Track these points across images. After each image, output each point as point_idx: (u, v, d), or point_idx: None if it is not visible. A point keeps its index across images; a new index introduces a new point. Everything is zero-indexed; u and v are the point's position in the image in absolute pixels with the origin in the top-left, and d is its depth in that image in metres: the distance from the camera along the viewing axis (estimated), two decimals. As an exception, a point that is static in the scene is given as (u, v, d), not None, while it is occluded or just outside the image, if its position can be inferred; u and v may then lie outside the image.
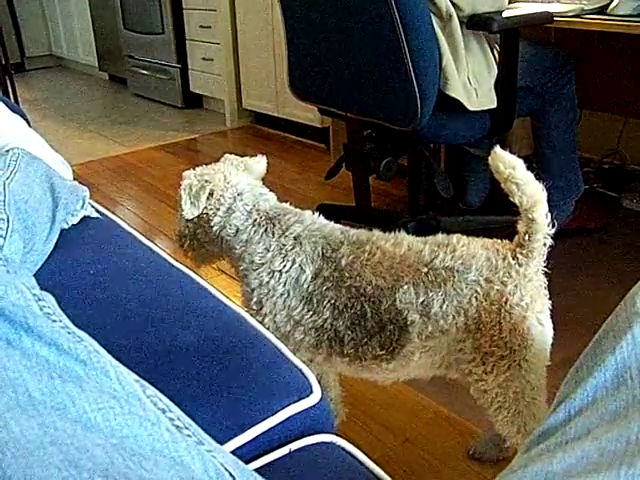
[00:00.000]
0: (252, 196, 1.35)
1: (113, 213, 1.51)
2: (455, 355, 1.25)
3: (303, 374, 0.89)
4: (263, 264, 1.26)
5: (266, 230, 1.30)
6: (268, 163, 1.53)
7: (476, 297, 1.21)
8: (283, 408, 0.84)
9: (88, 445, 0.56)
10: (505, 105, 2.18)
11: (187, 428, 0.65)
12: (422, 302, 1.21)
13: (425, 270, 1.23)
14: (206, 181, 1.32)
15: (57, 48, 7.31)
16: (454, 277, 1.22)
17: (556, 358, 1.97)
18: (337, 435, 0.87)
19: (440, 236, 1.32)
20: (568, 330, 2.13)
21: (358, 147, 2.36)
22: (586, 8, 2.22)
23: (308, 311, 1.24)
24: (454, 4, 2.01)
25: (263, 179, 1.49)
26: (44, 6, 7.17)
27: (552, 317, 2.18)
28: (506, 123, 2.23)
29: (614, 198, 3.07)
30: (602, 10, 2.20)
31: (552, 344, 2.00)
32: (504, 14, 2.05)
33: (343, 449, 0.84)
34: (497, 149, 1.30)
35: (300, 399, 0.85)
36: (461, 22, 2.03)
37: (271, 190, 1.44)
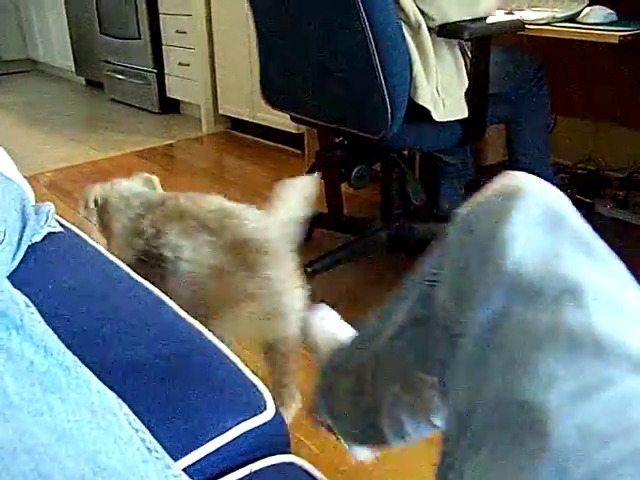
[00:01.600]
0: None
1: (88, 220, 1.59)
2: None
3: (257, 390, 0.88)
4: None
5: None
6: (243, 169, 1.72)
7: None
8: (237, 424, 0.83)
9: (61, 456, 0.56)
10: (477, 113, 2.17)
11: (157, 451, 0.66)
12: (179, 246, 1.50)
13: (192, 223, 1.51)
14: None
15: (33, 52, 7.26)
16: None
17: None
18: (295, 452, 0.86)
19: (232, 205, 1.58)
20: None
21: (329, 155, 2.36)
22: (557, 16, 2.23)
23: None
24: (424, 13, 2.00)
25: (238, 184, 1.79)
26: (20, 10, 7.12)
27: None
28: (478, 131, 2.23)
29: (588, 204, 3.07)
30: (573, 18, 2.21)
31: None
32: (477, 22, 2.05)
33: (304, 470, 0.84)
34: None
35: (254, 415, 0.84)
36: (432, 30, 2.03)
37: (245, 195, 1.63)
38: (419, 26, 2.00)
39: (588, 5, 2.23)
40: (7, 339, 0.65)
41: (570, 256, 0.70)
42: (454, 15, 2.01)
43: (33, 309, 0.74)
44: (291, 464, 0.84)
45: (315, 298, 2.37)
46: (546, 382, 0.58)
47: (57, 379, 0.65)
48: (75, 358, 0.71)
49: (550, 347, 0.60)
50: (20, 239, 1.18)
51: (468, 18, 2.03)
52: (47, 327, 0.73)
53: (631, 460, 0.53)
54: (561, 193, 0.81)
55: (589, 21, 2.15)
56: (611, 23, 2.13)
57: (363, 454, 1.19)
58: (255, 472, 0.82)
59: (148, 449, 0.65)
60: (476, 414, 0.61)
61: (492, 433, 0.59)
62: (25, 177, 1.53)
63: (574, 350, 0.60)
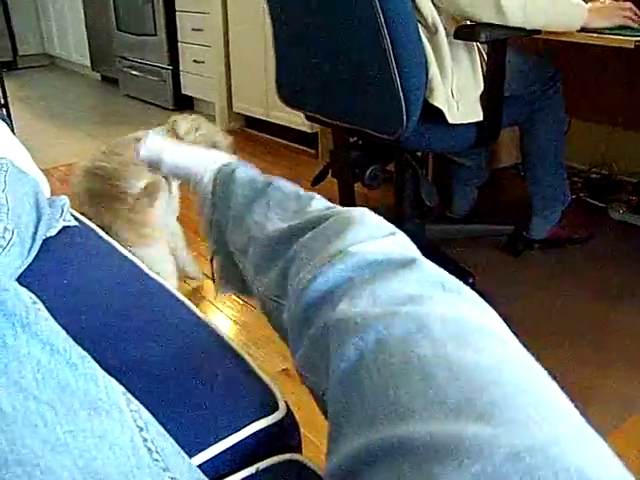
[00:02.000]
0: None
1: None
2: None
3: (269, 390, 0.88)
4: None
5: None
6: (257, 167, 1.71)
7: None
8: (248, 424, 0.83)
9: (55, 467, 0.55)
10: (492, 115, 2.17)
11: (157, 452, 0.65)
12: None
13: None
14: None
15: (50, 47, 7.29)
16: None
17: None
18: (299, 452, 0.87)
19: None
20: (548, 340, 2.13)
21: (344, 155, 2.36)
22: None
23: None
24: (445, 15, 2.00)
25: None
26: (37, 5, 7.15)
27: (535, 326, 2.19)
28: (492, 133, 2.23)
29: (601, 208, 3.07)
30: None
31: (532, 355, 2.00)
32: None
33: (310, 470, 0.84)
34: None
35: (265, 415, 0.84)
36: (449, 33, 2.03)
37: None
38: (436, 28, 1.99)
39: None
40: (13, 337, 0.66)
41: (409, 289, 0.70)
42: (477, 16, 1.99)
43: (40, 306, 0.74)
44: (298, 463, 0.84)
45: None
46: (409, 416, 0.57)
47: (64, 376, 0.65)
48: (84, 354, 0.71)
49: (406, 381, 0.60)
50: (35, 233, 1.18)
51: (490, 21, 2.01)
52: (54, 323, 0.73)
53: None
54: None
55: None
56: (622, 28, 2.12)
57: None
58: (262, 470, 0.82)
59: (148, 449, 0.65)
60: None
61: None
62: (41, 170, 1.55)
63: (428, 380, 0.59)
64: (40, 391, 0.62)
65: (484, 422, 0.54)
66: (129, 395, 0.70)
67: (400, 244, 0.81)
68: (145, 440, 0.65)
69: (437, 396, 0.57)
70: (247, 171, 1.13)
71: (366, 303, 0.68)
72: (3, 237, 1.07)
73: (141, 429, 0.66)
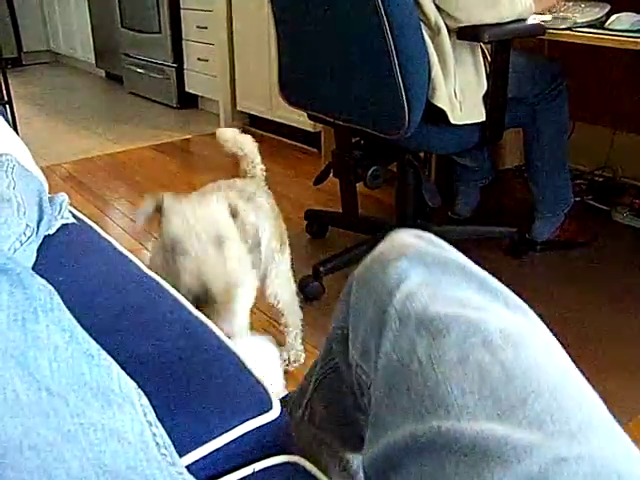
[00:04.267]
0: None
1: (102, 212, 1.55)
2: None
3: (263, 389, 0.87)
4: None
5: None
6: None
7: None
8: (242, 423, 0.83)
9: (66, 456, 0.56)
10: (494, 116, 2.17)
11: (165, 447, 0.66)
12: None
13: None
14: None
15: (55, 44, 7.29)
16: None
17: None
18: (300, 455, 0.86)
19: None
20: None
21: (346, 154, 2.35)
22: (579, 21, 2.21)
23: None
24: (444, 15, 1.99)
25: None
26: (43, 1, 7.15)
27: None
28: (495, 134, 2.23)
29: (604, 211, 3.06)
30: (597, 24, 2.19)
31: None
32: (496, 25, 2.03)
33: (308, 472, 0.83)
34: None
35: (259, 414, 0.84)
36: (452, 33, 2.02)
37: None
38: (439, 28, 1.99)
39: (611, 11, 2.21)
40: (34, 321, 0.67)
41: (468, 295, 0.71)
42: (478, 16, 2.00)
43: (59, 298, 0.75)
44: (294, 464, 0.84)
45: (328, 297, 2.38)
46: (458, 412, 0.58)
47: (79, 366, 0.66)
48: (99, 347, 0.72)
49: (460, 378, 0.61)
50: (37, 232, 1.19)
51: (494, 21, 2.01)
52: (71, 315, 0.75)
53: None
54: (443, 242, 0.83)
55: (617, 27, 2.11)
56: (638, 30, 2.10)
57: None
58: (258, 472, 0.82)
59: (157, 444, 0.66)
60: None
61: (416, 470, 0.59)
62: (41, 168, 1.54)
63: (483, 380, 0.60)
64: (54, 381, 0.63)
65: (534, 428, 0.55)
66: (140, 390, 0.71)
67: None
68: (154, 435, 0.66)
69: (490, 396, 0.59)
70: None
71: (427, 301, 0.70)
72: (24, 233, 1.11)
73: (150, 424, 0.67)
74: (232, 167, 2.12)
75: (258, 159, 1.97)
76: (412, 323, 0.67)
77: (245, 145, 1.94)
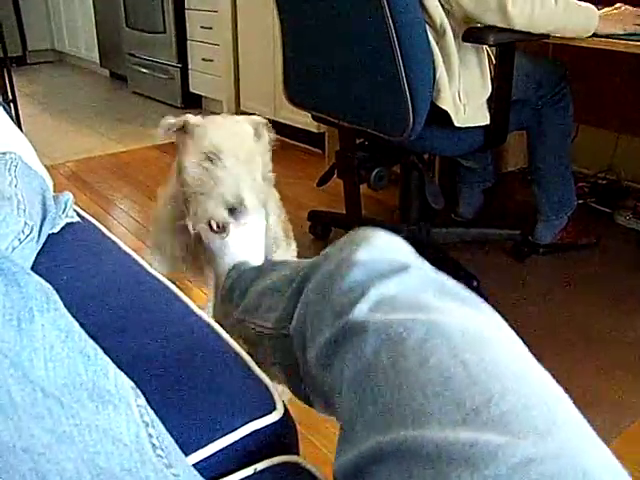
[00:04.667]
0: None
1: (106, 212, 1.55)
2: None
3: (267, 389, 0.87)
4: None
5: None
6: None
7: None
8: (245, 424, 0.83)
9: (60, 457, 0.56)
10: (499, 119, 2.17)
11: (162, 449, 0.66)
12: None
13: None
14: None
15: (59, 43, 7.30)
16: None
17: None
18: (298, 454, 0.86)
19: None
20: (552, 346, 2.13)
21: (350, 155, 2.35)
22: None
23: None
24: (454, 16, 1.99)
25: None
26: (47, 1, 7.16)
27: (539, 330, 2.18)
28: (499, 137, 2.22)
29: (607, 214, 3.06)
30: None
31: (534, 356, 2.00)
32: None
33: (309, 472, 0.83)
34: None
35: (263, 415, 0.84)
36: (457, 35, 2.02)
37: None
38: (444, 30, 1.99)
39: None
40: (29, 321, 0.66)
41: (428, 299, 0.71)
42: (486, 18, 1.98)
43: (57, 296, 0.75)
44: (296, 465, 0.84)
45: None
46: (423, 419, 0.59)
47: (75, 366, 0.66)
48: (96, 346, 0.72)
49: (423, 383, 0.61)
50: (40, 231, 1.19)
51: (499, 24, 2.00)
52: (69, 315, 0.74)
53: None
54: (401, 243, 0.86)
55: (619, 32, 2.13)
56: (636, 34, 2.10)
57: None
58: (260, 472, 0.82)
59: (153, 445, 0.65)
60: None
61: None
62: (45, 166, 1.54)
63: (446, 383, 0.60)
64: (49, 381, 0.62)
65: (500, 429, 0.56)
66: (138, 390, 0.71)
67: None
68: (150, 436, 0.66)
69: (453, 400, 0.59)
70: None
71: (386, 309, 0.70)
72: (22, 232, 1.10)
73: (147, 424, 0.67)
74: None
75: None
76: (373, 332, 0.68)
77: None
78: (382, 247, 0.81)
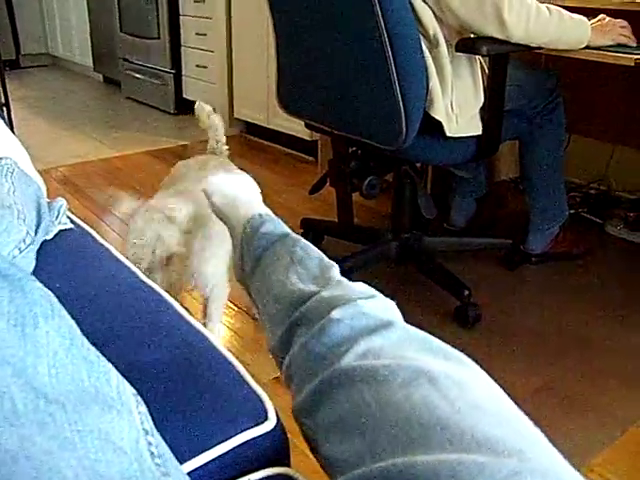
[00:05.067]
0: None
1: (98, 217, 1.56)
2: None
3: (260, 399, 0.87)
4: None
5: None
6: (256, 173, 1.78)
7: None
8: (237, 433, 0.83)
9: (61, 465, 0.56)
10: (491, 129, 2.17)
11: (159, 457, 0.66)
12: None
13: None
14: None
15: (53, 47, 7.30)
16: None
17: (530, 384, 1.97)
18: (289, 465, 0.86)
19: None
20: (544, 355, 2.13)
21: (342, 164, 2.36)
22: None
23: None
24: (449, 27, 2.00)
25: None
26: (42, 4, 7.16)
27: (530, 339, 2.19)
28: (492, 147, 2.23)
29: (599, 224, 3.08)
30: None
31: (527, 370, 2.01)
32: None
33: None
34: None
35: (256, 425, 0.84)
36: (450, 45, 2.03)
37: None
38: (437, 41, 1.99)
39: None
40: (33, 327, 0.67)
41: (410, 354, 0.74)
42: (481, 29, 1.98)
43: (59, 304, 0.75)
44: (288, 477, 0.84)
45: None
46: (410, 445, 0.62)
47: (78, 373, 0.66)
48: (99, 353, 0.73)
49: (409, 413, 0.64)
50: (34, 237, 1.19)
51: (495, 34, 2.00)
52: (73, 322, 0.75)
53: None
54: (387, 302, 0.89)
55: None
56: (624, 46, 2.13)
57: None
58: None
59: (151, 453, 0.65)
60: None
61: None
62: (38, 171, 1.54)
63: (431, 412, 0.64)
64: (52, 388, 0.63)
65: (485, 450, 0.58)
66: (139, 397, 0.71)
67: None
68: (150, 444, 0.66)
69: (439, 425, 0.62)
70: (274, 225, 1.27)
71: (371, 358, 0.74)
72: (24, 241, 1.10)
73: (146, 432, 0.67)
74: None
75: (223, 139, 2.24)
76: (359, 378, 0.71)
77: (215, 125, 2.22)
78: (367, 305, 0.85)
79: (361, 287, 0.94)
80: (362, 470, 0.62)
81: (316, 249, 1.14)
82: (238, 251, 1.20)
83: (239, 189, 1.43)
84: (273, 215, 1.33)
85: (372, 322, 0.80)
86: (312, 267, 1.06)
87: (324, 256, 1.11)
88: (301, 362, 0.83)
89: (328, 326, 0.81)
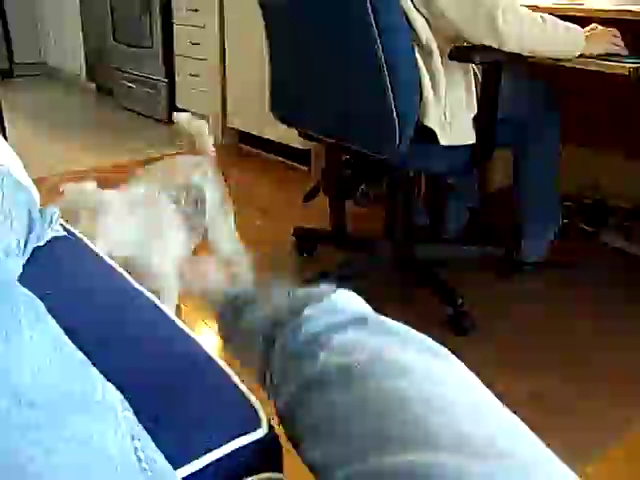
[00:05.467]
0: None
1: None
2: None
3: (252, 406, 0.87)
4: None
5: None
6: (249, 182, 1.78)
7: None
8: (230, 440, 0.82)
9: (45, 472, 0.56)
10: (484, 137, 2.18)
11: (147, 462, 0.66)
12: None
13: None
14: None
15: (46, 56, 7.30)
16: None
17: (523, 392, 1.97)
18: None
19: None
20: (537, 363, 2.13)
21: (335, 172, 2.36)
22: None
23: None
24: (442, 36, 2.00)
25: (242, 197, 1.99)
26: (35, 14, 7.16)
27: (522, 348, 2.19)
28: (485, 155, 2.24)
29: (592, 233, 3.08)
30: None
31: (519, 378, 2.01)
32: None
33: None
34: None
35: (247, 432, 0.83)
36: (444, 54, 2.03)
37: (249, 209, 1.74)
38: (431, 50, 2.00)
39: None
40: (18, 333, 0.66)
41: (389, 347, 0.75)
42: (475, 37, 1.99)
43: (44, 309, 0.75)
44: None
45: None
46: (383, 445, 0.63)
47: (63, 378, 0.65)
48: (84, 358, 0.73)
49: (384, 411, 0.66)
50: (25, 244, 1.18)
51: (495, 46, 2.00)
52: (58, 327, 0.74)
53: None
54: (360, 298, 0.91)
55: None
56: (617, 55, 2.14)
57: None
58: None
59: (138, 459, 0.65)
60: None
61: None
62: (32, 180, 1.54)
63: (404, 409, 0.65)
64: (37, 394, 0.62)
65: (459, 450, 0.58)
66: (126, 402, 0.71)
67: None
68: (136, 449, 0.65)
69: (413, 424, 0.62)
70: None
71: (345, 355, 0.75)
72: (10, 245, 1.10)
73: (133, 437, 0.66)
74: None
75: (210, 142, 2.24)
76: (333, 379, 0.72)
77: (199, 129, 2.22)
78: (339, 300, 0.87)
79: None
80: (338, 474, 0.63)
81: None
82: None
83: None
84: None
85: (345, 317, 0.81)
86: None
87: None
88: (278, 365, 0.84)
89: (302, 324, 0.83)
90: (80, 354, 0.72)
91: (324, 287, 0.91)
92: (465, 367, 0.74)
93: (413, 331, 0.80)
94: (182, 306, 2.34)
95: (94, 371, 0.71)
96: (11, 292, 0.71)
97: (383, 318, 0.83)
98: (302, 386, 0.76)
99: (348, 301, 0.87)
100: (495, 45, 1.96)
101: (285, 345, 0.84)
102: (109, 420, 0.65)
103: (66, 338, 0.73)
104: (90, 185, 1.84)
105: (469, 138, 2.14)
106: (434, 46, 2.00)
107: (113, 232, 1.75)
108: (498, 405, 0.68)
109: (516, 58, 2.04)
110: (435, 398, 0.65)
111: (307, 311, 0.84)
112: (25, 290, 0.75)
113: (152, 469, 0.65)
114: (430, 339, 0.79)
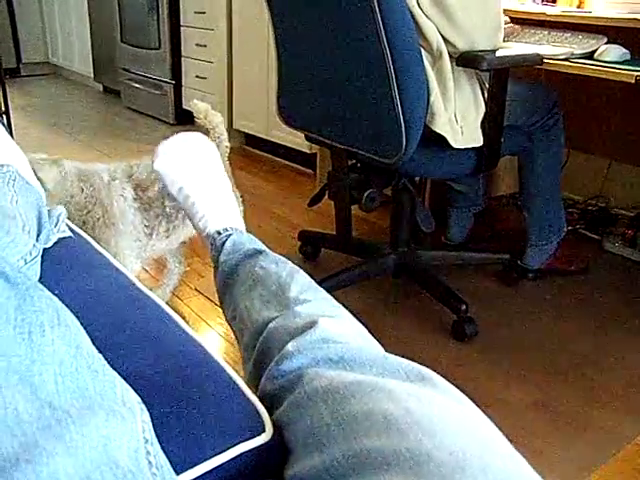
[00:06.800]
0: None
1: None
2: None
3: (256, 410, 0.87)
4: None
5: None
6: (254, 185, 1.78)
7: None
8: (234, 445, 0.82)
9: (59, 471, 0.56)
10: (491, 143, 2.18)
11: (157, 467, 0.66)
12: None
13: None
14: None
15: (54, 56, 7.31)
16: None
17: (526, 399, 1.97)
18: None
19: None
20: (541, 371, 2.13)
21: (341, 177, 2.36)
22: (575, 52, 2.24)
23: None
24: (448, 41, 2.00)
25: (248, 200, 2.00)
26: (43, 13, 7.18)
27: (526, 354, 2.19)
28: (491, 161, 2.24)
29: (596, 240, 3.08)
30: (591, 55, 2.24)
31: (523, 386, 2.01)
32: (497, 53, 2.05)
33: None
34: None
35: (252, 437, 0.83)
36: (451, 59, 2.03)
37: (254, 211, 1.74)
38: (440, 53, 2.00)
39: (606, 43, 2.25)
40: (41, 334, 0.67)
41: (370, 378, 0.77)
42: (479, 45, 2.02)
43: (67, 313, 0.76)
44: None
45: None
46: (363, 464, 0.64)
47: (83, 381, 0.66)
48: (104, 362, 0.73)
49: (368, 428, 0.67)
50: (39, 248, 1.19)
51: (490, 48, 2.04)
52: (81, 329, 0.75)
53: None
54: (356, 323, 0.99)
55: (605, 59, 2.19)
56: (625, 62, 2.16)
57: None
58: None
59: (149, 463, 0.65)
60: None
61: None
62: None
63: (390, 426, 0.65)
64: (58, 396, 0.63)
65: (442, 473, 0.59)
66: (143, 406, 0.71)
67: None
68: (148, 453, 0.66)
69: (398, 444, 0.63)
70: (232, 243, 1.38)
71: (331, 378, 0.78)
72: (30, 253, 1.11)
73: (146, 441, 0.67)
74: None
75: (225, 136, 2.30)
76: (320, 398, 0.75)
77: (214, 122, 2.25)
78: (327, 330, 0.91)
79: (321, 305, 1.00)
80: None
81: (275, 260, 1.24)
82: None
83: (191, 170, 1.57)
84: (230, 224, 1.48)
85: (329, 353, 0.85)
86: (270, 285, 1.14)
87: (284, 269, 1.19)
88: (269, 391, 0.89)
89: (285, 358, 0.88)
90: (100, 358, 0.73)
91: (319, 307, 0.97)
92: (455, 391, 0.75)
93: (399, 360, 0.81)
94: (187, 307, 2.34)
95: (114, 375, 0.71)
96: (34, 295, 0.72)
97: (369, 350, 0.85)
98: (293, 404, 0.80)
99: (335, 331, 0.91)
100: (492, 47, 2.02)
101: (271, 377, 0.89)
102: (127, 423, 0.65)
103: (87, 341, 0.74)
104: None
105: (478, 141, 2.14)
106: (444, 51, 2.00)
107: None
108: (487, 423, 0.69)
109: (524, 64, 2.06)
110: (417, 410, 0.66)
111: (291, 346, 0.88)
112: (48, 293, 0.76)
113: (161, 474, 0.65)
114: (417, 366, 0.80)
